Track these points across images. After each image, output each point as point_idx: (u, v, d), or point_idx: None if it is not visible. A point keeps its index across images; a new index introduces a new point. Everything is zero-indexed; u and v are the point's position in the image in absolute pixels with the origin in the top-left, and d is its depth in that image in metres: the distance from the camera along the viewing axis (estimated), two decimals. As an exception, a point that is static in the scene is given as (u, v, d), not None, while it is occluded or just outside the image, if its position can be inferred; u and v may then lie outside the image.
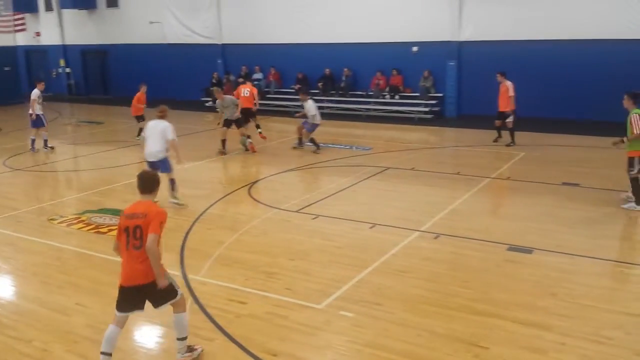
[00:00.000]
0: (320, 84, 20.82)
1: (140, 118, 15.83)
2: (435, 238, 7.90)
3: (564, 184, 10.50)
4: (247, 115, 14.23)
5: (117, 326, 4.76)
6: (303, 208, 9.39)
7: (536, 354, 5.00)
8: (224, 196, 10.29)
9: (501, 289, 6.33)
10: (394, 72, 19.71)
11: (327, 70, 20.85)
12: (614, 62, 16.17)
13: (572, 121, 16.29)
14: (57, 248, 7.90)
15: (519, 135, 14.22)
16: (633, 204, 8.54)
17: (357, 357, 5.11)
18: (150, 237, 4.57)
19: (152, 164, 9.19)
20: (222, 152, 13.80)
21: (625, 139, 8.67)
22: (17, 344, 5.37)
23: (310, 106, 13.95)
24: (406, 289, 6.40)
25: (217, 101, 14.16)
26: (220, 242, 7.90)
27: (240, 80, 22.27)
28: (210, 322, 5.67)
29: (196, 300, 6.13)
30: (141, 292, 4.69)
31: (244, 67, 22.53)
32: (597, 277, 6.61)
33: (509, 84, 13.87)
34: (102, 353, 4.70)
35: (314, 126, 13.96)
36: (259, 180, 11.36)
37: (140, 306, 4.77)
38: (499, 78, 14.07)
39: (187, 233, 8.26)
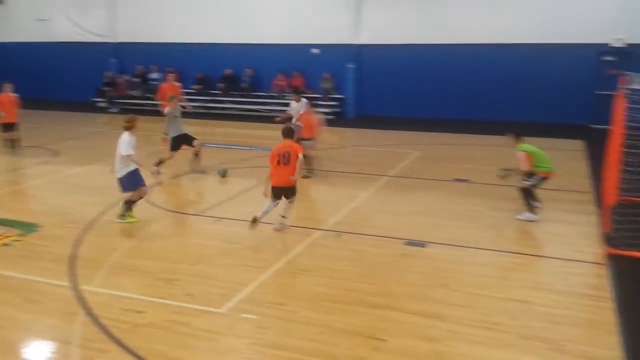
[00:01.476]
0: (221, 85, 20.54)
1: (9, 127, 13.54)
2: (337, 236, 8.05)
3: (455, 180, 11.10)
4: None
5: (272, 205, 8.11)
6: (203, 211, 9.20)
7: (431, 343, 5.23)
8: (118, 201, 9.81)
9: (398, 282, 6.57)
10: (296, 73, 19.88)
11: (228, 71, 20.61)
12: (503, 64, 17.38)
13: (465, 121, 17.28)
14: None
15: (416, 135, 14.86)
16: (528, 214, 8.62)
17: (260, 359, 5.08)
18: (300, 156, 8.04)
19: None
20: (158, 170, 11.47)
21: (510, 172, 8.87)
22: None
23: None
24: (309, 287, 6.46)
25: (167, 109, 11.61)
26: (115, 250, 7.55)
27: (136, 80, 21.52)
28: (104, 333, 5.39)
29: (89, 311, 5.81)
30: (283, 190, 8.09)
31: (139, 67, 21.72)
32: (484, 267, 7.03)
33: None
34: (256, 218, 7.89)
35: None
36: (156, 184, 10.98)
37: (281, 198, 8.16)
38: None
39: (78, 241, 7.80)
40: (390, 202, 9.90)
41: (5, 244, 7.71)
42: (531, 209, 8.57)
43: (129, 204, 8.58)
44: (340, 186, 10.81)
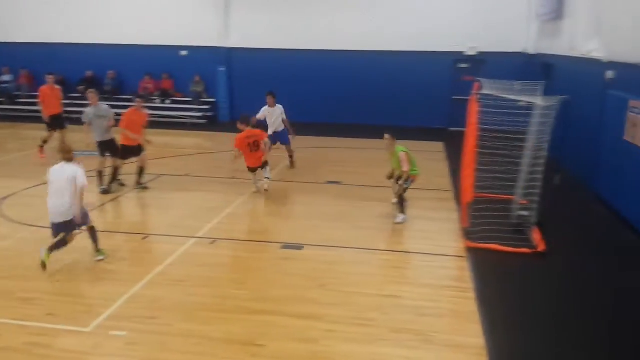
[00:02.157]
0: (81, 87, 19.21)
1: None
2: (212, 243, 7.86)
3: (329, 182, 11.38)
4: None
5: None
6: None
7: (308, 344, 5.30)
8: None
9: (276, 286, 6.57)
10: (164, 76, 19.19)
11: (89, 73, 19.37)
12: (372, 71, 18.14)
13: (337, 124, 17.78)
14: None
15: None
16: (403, 216, 8.93)
17: (132, 378, 4.81)
18: (266, 141, 10.36)
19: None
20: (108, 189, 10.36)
21: (396, 172, 9.13)
22: None
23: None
24: (183, 298, 6.24)
25: (88, 108, 10.44)
26: (-40, 271, 6.74)
27: None
28: (-51, 366, 4.80)
29: None
30: (257, 168, 10.14)
31: (-15, 68, 19.69)
32: (357, 265, 7.27)
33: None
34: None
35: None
36: (9, 196, 9.99)
37: (256, 171, 10.32)
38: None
39: None
40: (266, 206, 9.90)
41: None
42: (404, 210, 8.99)
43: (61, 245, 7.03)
44: (214, 192, 10.59)
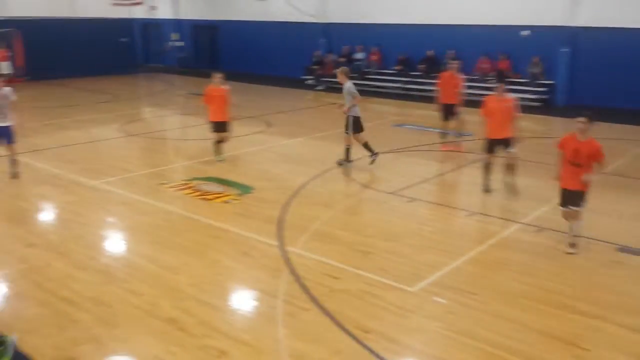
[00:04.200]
0: (422, 66, 20.46)
1: (220, 126, 11.12)
2: (538, 232, 7.60)
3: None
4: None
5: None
6: (399, 191, 9.36)
7: (642, 362, 4.74)
8: (321, 173, 10.47)
9: (604, 290, 6.01)
10: (501, 56, 18.94)
11: (430, 52, 20.41)
12: None
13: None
14: (166, 210, 8.45)
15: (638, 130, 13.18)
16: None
17: (449, 344, 5.08)
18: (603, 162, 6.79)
19: None
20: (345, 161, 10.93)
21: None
22: (129, 296, 5.83)
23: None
24: (502, 281, 6.25)
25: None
26: (316, 218, 8.08)
27: (341, 59, 22.43)
28: (305, 293, 5.86)
29: (292, 271, 6.36)
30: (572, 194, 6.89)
31: (345, 47, 22.60)
32: None
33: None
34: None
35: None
36: (355, 160, 11.43)
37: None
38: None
39: (286, 206, 8.51)
40: (604, 202, 9.01)
41: (225, 202, 8.76)
42: None
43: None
44: (542, 179, 10.07)
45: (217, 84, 10.97)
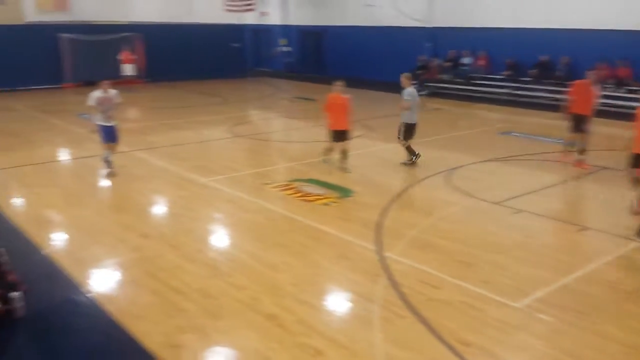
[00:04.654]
0: (533, 72, 19.55)
1: (340, 135, 10.83)
2: (659, 252, 7.01)
3: None
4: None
5: None
6: (504, 201, 9.01)
7: None
8: (422, 179, 10.33)
9: None
10: (620, 62, 17.64)
11: (543, 58, 19.45)
12: None
13: None
14: (269, 210, 8.73)
15: None
16: None
17: (554, 365, 4.83)
18: None
19: None
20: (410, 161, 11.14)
21: None
22: (232, 290, 6.09)
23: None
24: (617, 303, 5.82)
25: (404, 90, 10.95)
26: (414, 225, 7.98)
27: (447, 64, 21.97)
28: (402, 300, 5.81)
29: (390, 277, 6.32)
30: None
31: (451, 51, 22.14)
32: None
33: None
34: None
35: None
36: (457, 167, 11.15)
37: None
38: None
39: (385, 211, 8.48)
40: None
41: (325, 204, 8.89)
42: None
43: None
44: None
45: (339, 92, 10.79)
